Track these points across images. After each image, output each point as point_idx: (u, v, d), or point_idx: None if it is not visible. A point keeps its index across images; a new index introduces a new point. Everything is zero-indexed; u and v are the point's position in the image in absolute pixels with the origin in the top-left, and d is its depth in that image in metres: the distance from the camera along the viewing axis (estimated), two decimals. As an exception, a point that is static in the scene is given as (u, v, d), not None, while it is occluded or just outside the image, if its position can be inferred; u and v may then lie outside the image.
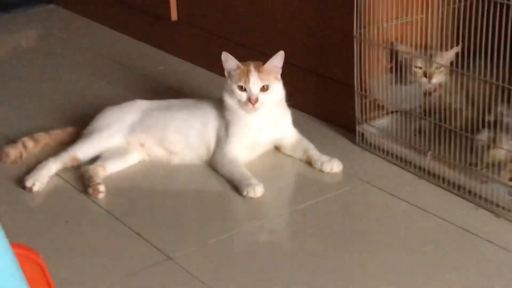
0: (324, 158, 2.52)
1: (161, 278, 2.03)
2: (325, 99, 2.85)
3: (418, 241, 2.17)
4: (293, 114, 2.64)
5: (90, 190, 2.41)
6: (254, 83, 2.47)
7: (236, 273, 2.06)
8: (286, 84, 2.56)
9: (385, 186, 2.41)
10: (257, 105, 2.48)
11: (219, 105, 2.57)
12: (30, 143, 2.68)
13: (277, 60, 2.50)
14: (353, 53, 2.58)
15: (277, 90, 2.53)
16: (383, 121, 2.66)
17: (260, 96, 2.48)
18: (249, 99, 2.47)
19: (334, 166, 2.50)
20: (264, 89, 2.49)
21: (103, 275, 2.06)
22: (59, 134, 2.74)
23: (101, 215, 2.34)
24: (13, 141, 2.70)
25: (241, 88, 2.49)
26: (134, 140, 2.61)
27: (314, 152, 2.56)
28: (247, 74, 2.48)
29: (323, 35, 2.79)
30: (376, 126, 2.63)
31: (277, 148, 2.65)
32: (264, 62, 2.51)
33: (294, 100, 2.66)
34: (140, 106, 2.70)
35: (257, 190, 2.38)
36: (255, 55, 2.78)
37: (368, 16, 2.53)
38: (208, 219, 2.31)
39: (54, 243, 2.22)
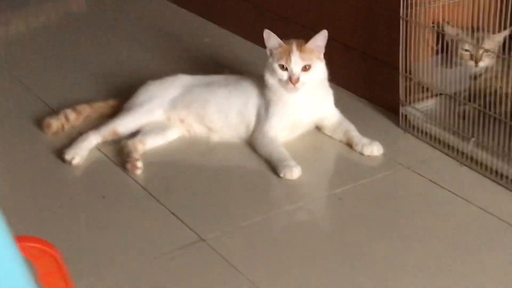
0: (365, 140, 2.48)
1: (191, 260, 2.03)
2: (369, 78, 2.80)
3: (456, 231, 2.13)
4: (336, 92, 2.60)
5: (128, 166, 2.42)
6: (296, 62, 2.43)
7: (269, 257, 2.04)
8: (331, 61, 2.51)
9: (426, 172, 2.36)
10: (298, 85, 2.44)
11: (261, 83, 2.54)
12: (72, 115, 2.69)
13: (320, 39, 2.46)
14: (399, 34, 2.52)
15: (319, 70, 2.48)
16: (427, 104, 2.60)
17: (302, 76, 2.44)
18: (290, 79, 2.44)
19: (374, 149, 2.46)
20: (305, 69, 2.45)
21: (134, 254, 2.06)
22: (101, 106, 2.75)
23: (138, 191, 2.34)
24: (55, 111, 2.71)
25: (282, 67, 2.45)
26: (175, 116, 2.61)
27: (355, 134, 2.51)
28: (288, 53, 2.44)
29: (370, 14, 2.73)
30: (420, 109, 2.57)
31: (317, 129, 2.61)
32: (307, 40, 2.47)
33: (338, 78, 2.62)
34: (181, 81, 2.69)
35: (294, 172, 2.35)
36: (301, 31, 2.74)
37: (416, -5, 2.46)
38: (244, 199, 2.30)
39: (90, 218, 2.24)
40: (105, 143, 2.57)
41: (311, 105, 2.52)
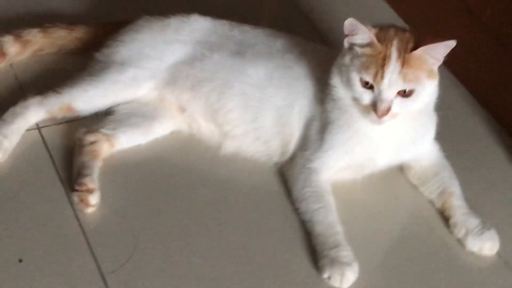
0: (472, 223, 1.47)
1: None
2: (499, 77, 1.72)
3: None
4: (445, 82, 1.52)
5: (76, 198, 1.44)
6: (392, 83, 1.38)
7: None
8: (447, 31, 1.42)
9: None
10: (386, 118, 1.40)
11: (326, 77, 1.49)
12: (12, 47, 1.67)
13: (441, 50, 1.38)
14: None
15: (427, 94, 1.43)
16: None
17: (395, 104, 1.39)
18: (374, 106, 1.40)
19: (486, 247, 1.46)
20: (404, 94, 1.40)
21: None
22: (62, 35, 1.72)
23: (81, 255, 1.38)
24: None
25: (366, 84, 1.40)
26: (171, 98, 1.59)
27: (457, 204, 1.50)
28: (382, 63, 1.38)
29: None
30: None
31: (399, 167, 1.60)
32: (417, 35, 1.39)
33: (455, 64, 1.58)
34: (195, 31, 1.63)
35: (346, 278, 1.37)
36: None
37: None
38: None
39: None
40: (52, 120, 1.58)
41: (398, 142, 1.49)
